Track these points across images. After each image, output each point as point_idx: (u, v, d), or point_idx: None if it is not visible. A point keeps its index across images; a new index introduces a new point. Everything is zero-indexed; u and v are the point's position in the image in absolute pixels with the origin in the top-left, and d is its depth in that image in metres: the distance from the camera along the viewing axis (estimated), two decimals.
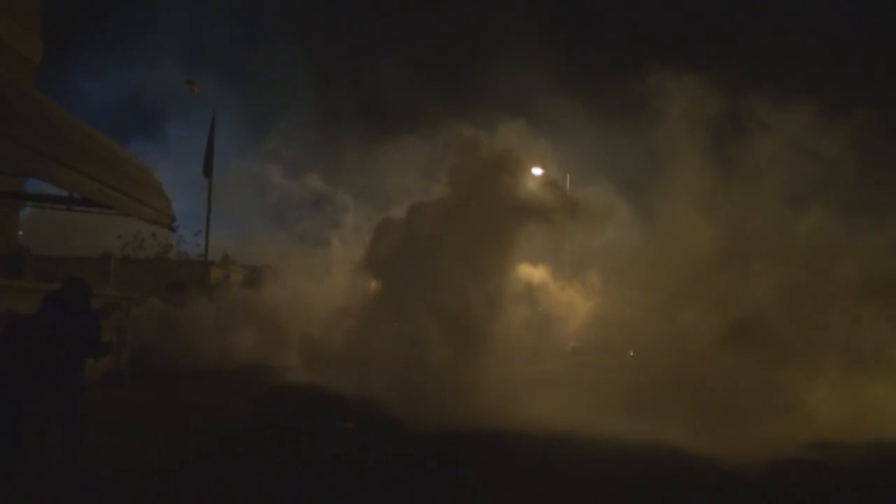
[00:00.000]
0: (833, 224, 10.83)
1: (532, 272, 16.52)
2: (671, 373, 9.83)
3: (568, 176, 20.02)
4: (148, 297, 15.71)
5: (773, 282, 9.97)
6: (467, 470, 7.28)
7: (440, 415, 8.76)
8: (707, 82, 11.30)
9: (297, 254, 22.18)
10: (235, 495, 6.18)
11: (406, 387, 9.65)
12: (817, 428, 8.82)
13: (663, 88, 11.45)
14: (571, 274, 16.40)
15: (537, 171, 16.32)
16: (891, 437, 9.10)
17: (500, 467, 7.60)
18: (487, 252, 11.13)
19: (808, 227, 10.75)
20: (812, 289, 9.83)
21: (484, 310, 10.55)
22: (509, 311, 11.76)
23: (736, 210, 10.94)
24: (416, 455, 7.83)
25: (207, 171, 21.75)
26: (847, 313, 9.59)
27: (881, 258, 10.15)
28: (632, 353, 13.08)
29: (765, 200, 10.93)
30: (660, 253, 11.29)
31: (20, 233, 15.91)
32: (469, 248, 10.94)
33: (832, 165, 10.67)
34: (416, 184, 14.78)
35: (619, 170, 17.11)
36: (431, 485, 6.84)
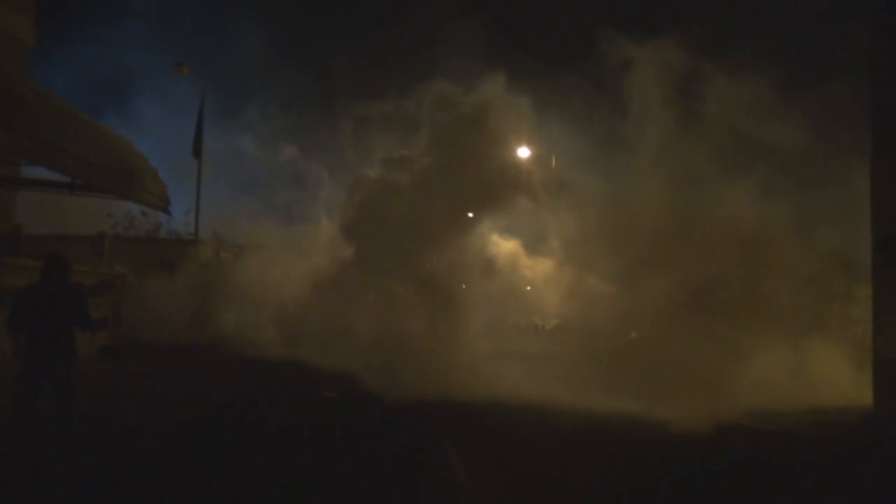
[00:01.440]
0: (782, 201, 11.53)
1: (507, 245, 16.70)
2: (631, 347, 10.60)
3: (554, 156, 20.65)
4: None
5: (722, 258, 10.63)
6: (440, 434, 8.01)
7: (414, 387, 9.50)
8: (668, 54, 11.74)
9: (283, 232, 22.67)
10: (234, 456, 6.75)
11: (380, 360, 10.39)
12: (758, 396, 9.70)
13: (623, 62, 11.96)
14: (545, 248, 16.67)
15: (524, 150, 16.95)
16: (822, 404, 10.04)
17: (468, 433, 8.35)
18: (460, 214, 11.83)
19: (757, 204, 11.34)
20: (758, 266, 10.58)
21: (453, 276, 11.25)
22: (483, 283, 12.47)
23: (690, 184, 11.43)
24: (395, 422, 8.59)
25: (197, 151, 22.20)
26: (789, 291, 10.39)
27: (825, 237, 10.94)
28: (633, 336, 13.57)
29: (718, 177, 11.46)
30: (620, 228, 11.80)
31: None
32: (440, 210, 11.63)
33: (786, 143, 11.37)
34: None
35: (576, 144, 17.48)
36: (410, 448, 7.57)
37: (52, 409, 6.28)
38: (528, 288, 18.12)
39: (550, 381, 11.11)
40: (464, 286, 11.73)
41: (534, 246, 16.20)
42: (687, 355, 9.95)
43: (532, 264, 15.00)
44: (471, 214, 13.04)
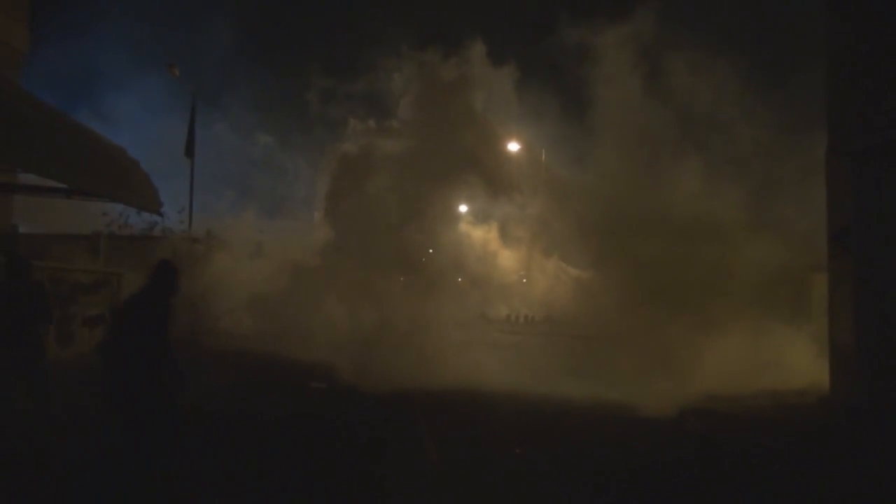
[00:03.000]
0: (743, 195, 12.03)
1: (482, 232, 16.74)
2: (601, 335, 11.15)
3: (543, 151, 21.03)
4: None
5: (688, 248, 11.14)
6: (420, 424, 8.51)
7: (393, 378, 10.02)
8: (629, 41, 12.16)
9: (276, 226, 23.00)
10: (236, 445, 7.13)
11: (362, 351, 10.92)
12: (721, 381, 10.29)
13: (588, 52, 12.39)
14: (516, 237, 16.76)
15: (514, 146, 17.38)
16: (783, 388, 10.64)
17: (444, 419, 8.88)
18: (437, 194, 12.31)
19: (720, 197, 11.82)
20: (722, 256, 11.12)
21: (432, 263, 11.75)
22: (462, 271, 12.94)
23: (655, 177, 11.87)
24: (380, 410, 9.12)
25: (189, 151, 22.64)
26: (753, 281, 10.94)
27: (785, 232, 11.47)
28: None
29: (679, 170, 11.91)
30: (587, 218, 12.24)
31: None
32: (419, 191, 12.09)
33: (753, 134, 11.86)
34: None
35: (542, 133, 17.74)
36: (392, 434, 8.08)
37: (29, 405, 6.67)
38: (523, 278, 18.23)
39: (525, 370, 11.66)
40: (443, 274, 12.19)
41: (504, 235, 16.49)
42: (655, 343, 10.51)
43: (508, 253, 15.35)
44: (448, 196, 13.44)
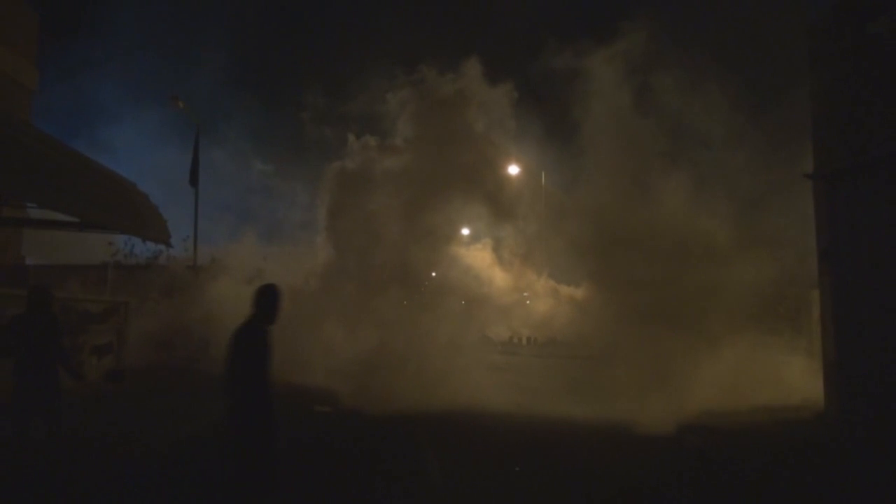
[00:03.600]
0: (742, 212, 12.29)
1: (483, 255, 16.63)
2: (601, 354, 11.38)
3: (543, 173, 21.30)
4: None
5: (683, 267, 11.38)
6: (425, 446, 8.69)
7: (396, 401, 10.25)
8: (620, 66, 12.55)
9: (280, 253, 23.20)
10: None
11: (362, 376, 11.13)
12: (714, 398, 10.50)
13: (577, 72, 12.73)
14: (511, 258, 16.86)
15: (513, 168, 17.69)
16: (779, 404, 10.85)
17: (447, 441, 9.07)
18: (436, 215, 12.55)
19: (718, 215, 12.08)
20: (719, 274, 11.37)
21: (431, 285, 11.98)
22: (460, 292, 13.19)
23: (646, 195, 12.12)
24: (383, 433, 9.34)
25: (193, 180, 23.03)
26: (749, 299, 11.19)
27: (786, 250, 11.73)
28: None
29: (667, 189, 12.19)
30: (582, 238, 12.46)
31: None
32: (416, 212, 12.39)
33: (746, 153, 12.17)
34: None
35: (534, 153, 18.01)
36: (397, 455, 8.31)
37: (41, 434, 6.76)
38: (526, 299, 18.26)
39: (525, 390, 11.88)
40: (444, 296, 12.45)
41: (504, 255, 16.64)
42: (653, 361, 10.73)
43: (508, 274, 15.55)
44: (447, 217, 13.70)
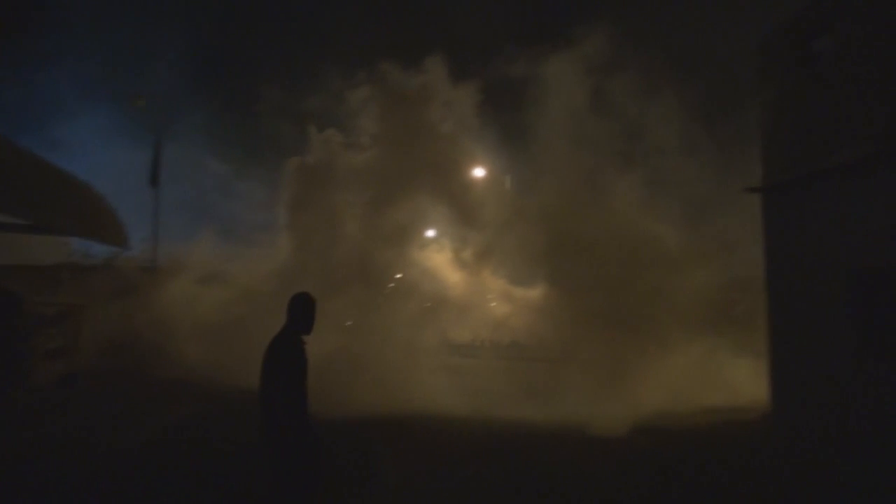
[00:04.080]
0: (696, 218, 12.66)
1: (445, 258, 16.57)
2: (559, 358, 11.62)
3: (508, 178, 21.50)
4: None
5: (640, 273, 11.67)
6: (378, 447, 8.77)
7: (351, 404, 10.25)
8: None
9: (237, 253, 22.80)
10: (178, 476, 7.29)
11: (317, 379, 11.09)
12: (667, 400, 10.83)
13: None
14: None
15: (479, 171, 17.80)
16: (727, 404, 11.24)
17: (403, 444, 9.16)
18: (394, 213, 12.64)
19: (664, 224, 12.39)
20: (673, 280, 11.71)
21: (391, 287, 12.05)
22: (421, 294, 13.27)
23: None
24: (337, 435, 9.34)
25: (154, 180, 22.71)
26: (695, 307, 11.56)
27: (726, 258, 12.14)
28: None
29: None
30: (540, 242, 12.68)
31: None
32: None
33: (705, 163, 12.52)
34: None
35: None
36: (353, 458, 8.35)
37: None
38: (491, 302, 18.25)
39: (483, 393, 12.05)
40: (405, 298, 12.55)
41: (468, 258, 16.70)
42: (609, 364, 11.01)
43: (469, 277, 15.64)
44: (407, 218, 13.79)
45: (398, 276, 14.37)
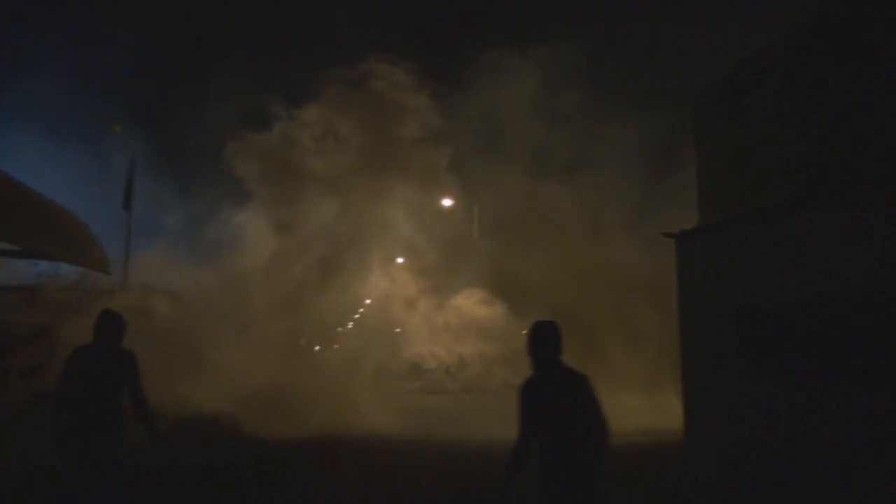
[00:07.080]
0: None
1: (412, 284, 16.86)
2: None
3: (476, 207, 22.21)
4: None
5: (602, 299, 12.45)
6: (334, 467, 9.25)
7: (300, 425, 10.78)
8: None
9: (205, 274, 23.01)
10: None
11: (269, 403, 11.51)
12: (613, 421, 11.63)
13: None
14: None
15: (447, 201, 18.59)
16: (666, 426, 12.11)
17: (359, 466, 9.62)
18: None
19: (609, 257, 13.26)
20: (628, 308, 12.54)
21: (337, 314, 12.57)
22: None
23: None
24: (293, 457, 9.79)
25: (127, 203, 23.17)
26: (641, 334, 12.48)
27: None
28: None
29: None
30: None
31: None
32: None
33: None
34: None
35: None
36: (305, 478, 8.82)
37: None
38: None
39: (441, 416, 12.64)
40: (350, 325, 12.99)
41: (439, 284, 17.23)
42: None
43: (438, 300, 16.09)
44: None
45: (367, 301, 14.93)
